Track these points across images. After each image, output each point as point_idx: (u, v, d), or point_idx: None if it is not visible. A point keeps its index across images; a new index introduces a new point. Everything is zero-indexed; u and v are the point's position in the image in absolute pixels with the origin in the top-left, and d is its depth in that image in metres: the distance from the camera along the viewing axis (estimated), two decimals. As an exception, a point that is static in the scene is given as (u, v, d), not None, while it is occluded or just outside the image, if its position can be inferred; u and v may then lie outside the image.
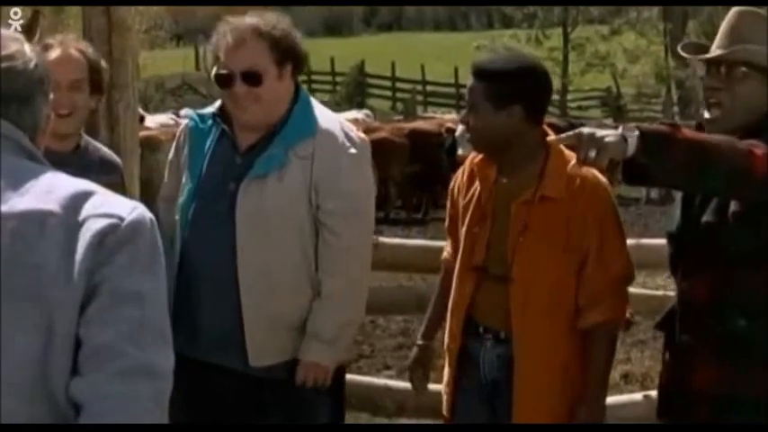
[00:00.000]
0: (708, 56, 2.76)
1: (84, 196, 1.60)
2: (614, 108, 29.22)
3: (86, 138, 3.41)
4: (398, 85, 33.47)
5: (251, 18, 3.17)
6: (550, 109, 29.43)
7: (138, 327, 1.57)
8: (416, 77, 33.17)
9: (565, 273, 3.03)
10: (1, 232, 1.55)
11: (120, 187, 3.19)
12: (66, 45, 3.32)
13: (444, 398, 3.25)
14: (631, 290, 3.24)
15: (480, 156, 3.18)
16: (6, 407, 1.54)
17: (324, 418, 3.29)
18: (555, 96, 30.49)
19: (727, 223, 2.67)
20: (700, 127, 2.82)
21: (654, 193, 16.98)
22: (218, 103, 3.34)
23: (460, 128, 13.64)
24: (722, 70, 2.73)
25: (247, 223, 3.15)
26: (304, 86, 3.36)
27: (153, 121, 14.06)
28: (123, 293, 1.57)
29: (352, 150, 3.22)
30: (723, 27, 2.78)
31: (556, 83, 30.49)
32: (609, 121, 24.43)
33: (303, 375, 3.18)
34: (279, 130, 3.20)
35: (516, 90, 3.01)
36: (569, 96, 30.93)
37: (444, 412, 3.25)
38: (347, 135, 3.23)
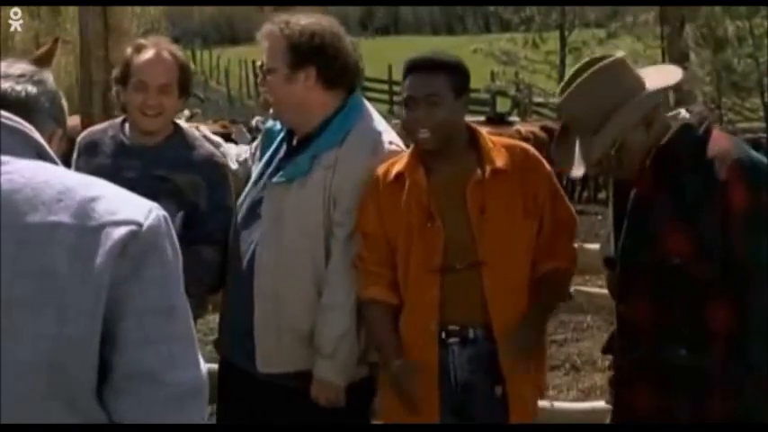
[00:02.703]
0: (588, 169, 2.68)
1: (94, 199, 1.52)
2: (611, 111, 29.25)
3: (188, 133, 3.37)
4: (396, 88, 33.43)
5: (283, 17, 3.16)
6: (549, 113, 29.43)
7: (176, 344, 1.53)
8: (413, 81, 33.12)
9: (528, 239, 3.07)
10: (6, 241, 1.48)
11: (195, 186, 3.21)
12: (158, 47, 3.28)
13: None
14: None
15: (405, 161, 3.11)
16: (17, 419, 1.47)
17: None
18: (552, 100, 30.46)
19: (676, 254, 2.58)
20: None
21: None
22: None
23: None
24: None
25: (267, 227, 3.12)
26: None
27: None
28: (156, 309, 1.51)
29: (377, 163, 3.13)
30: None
31: (553, 86, 30.47)
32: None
33: (315, 393, 3.09)
34: (313, 138, 3.15)
35: (468, 80, 3.14)
36: (566, 100, 30.94)
37: None
38: (377, 147, 3.15)
